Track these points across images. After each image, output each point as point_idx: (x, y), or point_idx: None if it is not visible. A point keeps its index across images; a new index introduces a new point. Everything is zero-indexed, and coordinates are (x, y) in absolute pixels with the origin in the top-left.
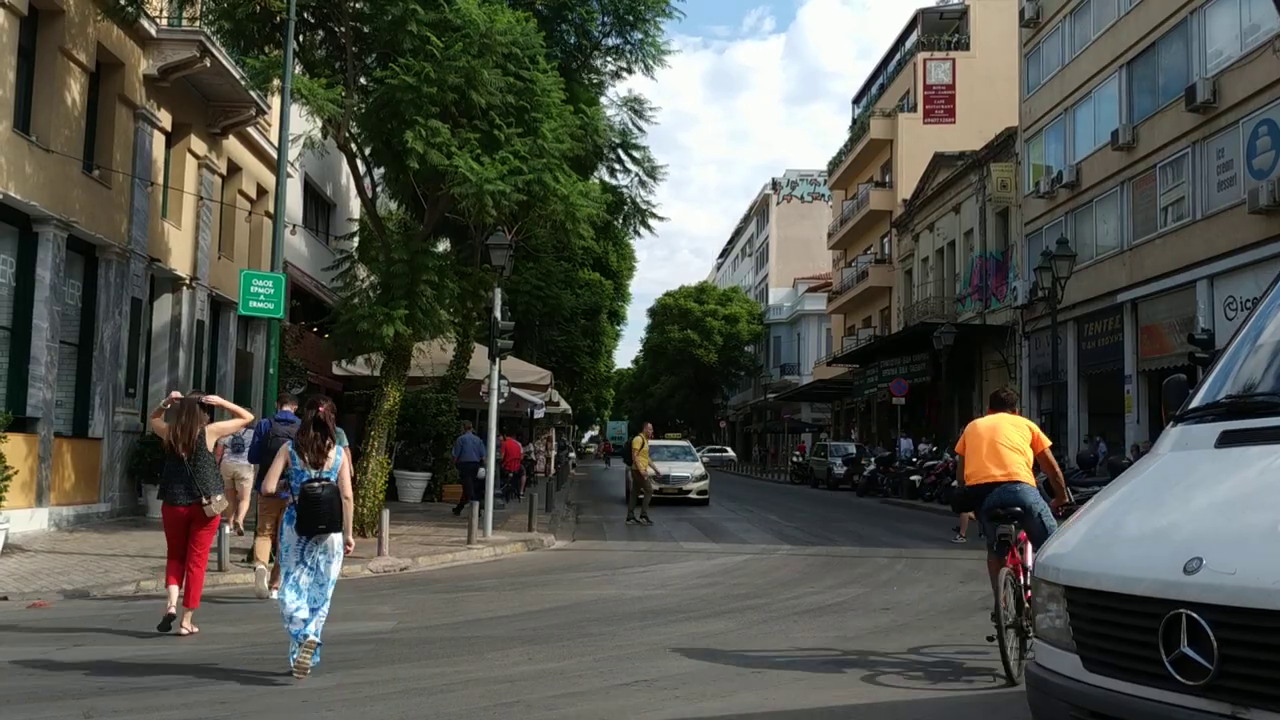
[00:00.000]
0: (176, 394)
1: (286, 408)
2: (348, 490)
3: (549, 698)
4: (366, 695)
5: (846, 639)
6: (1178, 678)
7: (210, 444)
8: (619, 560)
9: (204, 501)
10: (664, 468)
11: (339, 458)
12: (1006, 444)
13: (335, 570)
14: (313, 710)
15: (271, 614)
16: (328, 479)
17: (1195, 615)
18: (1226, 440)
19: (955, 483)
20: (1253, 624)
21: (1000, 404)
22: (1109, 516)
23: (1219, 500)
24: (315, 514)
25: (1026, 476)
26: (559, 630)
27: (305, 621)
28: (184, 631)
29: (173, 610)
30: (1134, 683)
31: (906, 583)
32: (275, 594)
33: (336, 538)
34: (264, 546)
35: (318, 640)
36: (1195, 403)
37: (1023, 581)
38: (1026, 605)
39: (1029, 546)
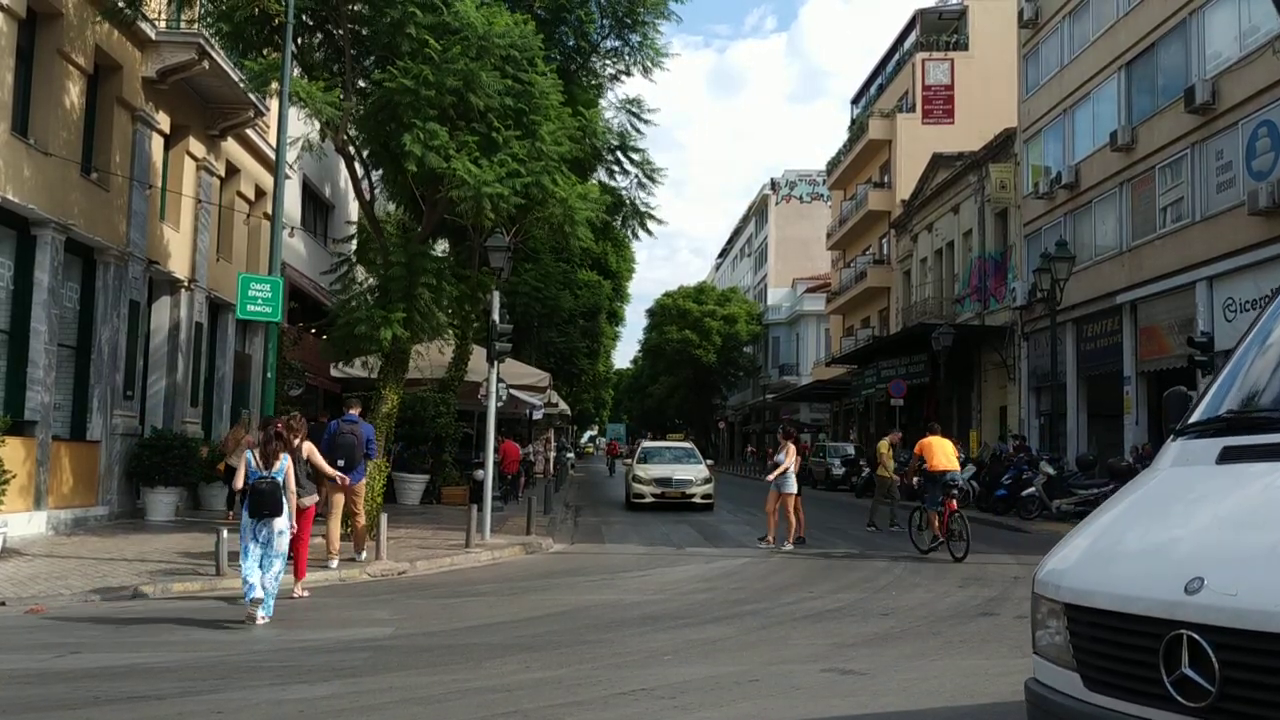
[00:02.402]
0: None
1: (352, 411)
2: (291, 485)
3: (546, 707)
4: (364, 705)
5: (845, 646)
6: (1179, 699)
7: (305, 453)
8: (618, 564)
9: (301, 497)
10: (666, 471)
11: (284, 463)
12: (950, 452)
13: (282, 544)
14: None
15: (267, 621)
16: (273, 478)
17: (1196, 636)
18: (1228, 456)
19: (918, 474)
20: (1255, 646)
21: (936, 431)
22: (1109, 533)
23: (1220, 518)
24: (261, 503)
25: (957, 468)
26: (557, 637)
27: (259, 584)
28: (297, 594)
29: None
30: (1135, 703)
31: (905, 588)
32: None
33: (279, 520)
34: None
35: (268, 592)
36: (1196, 417)
37: (957, 514)
38: (953, 528)
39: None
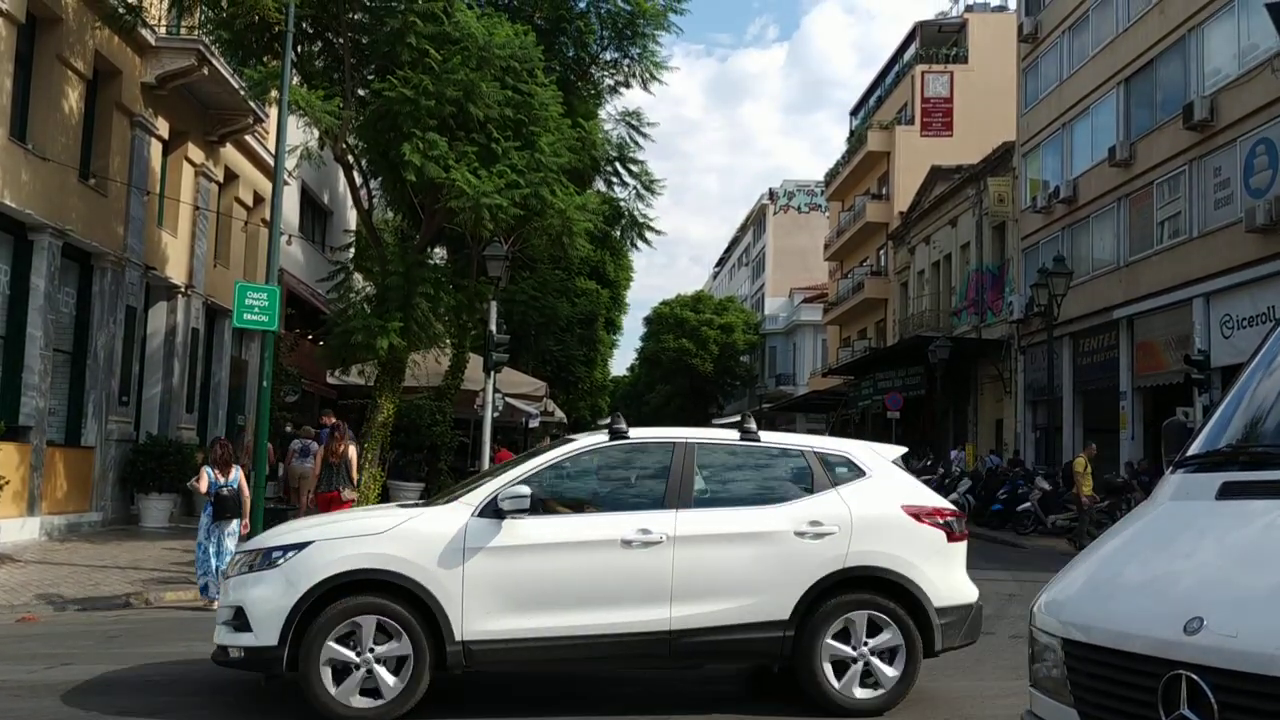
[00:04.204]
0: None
1: (331, 421)
2: (245, 493)
3: None
4: None
5: None
6: None
7: (352, 455)
8: None
9: (341, 490)
10: None
11: (237, 474)
12: None
13: (233, 543)
14: None
15: None
16: (231, 486)
17: (1195, 677)
18: (1228, 492)
19: None
20: (1255, 689)
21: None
22: (1108, 567)
23: (1220, 557)
24: (225, 507)
25: None
26: None
27: (215, 575)
28: None
29: None
30: None
31: None
32: None
33: (235, 522)
34: None
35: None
36: (1195, 449)
37: None
38: None
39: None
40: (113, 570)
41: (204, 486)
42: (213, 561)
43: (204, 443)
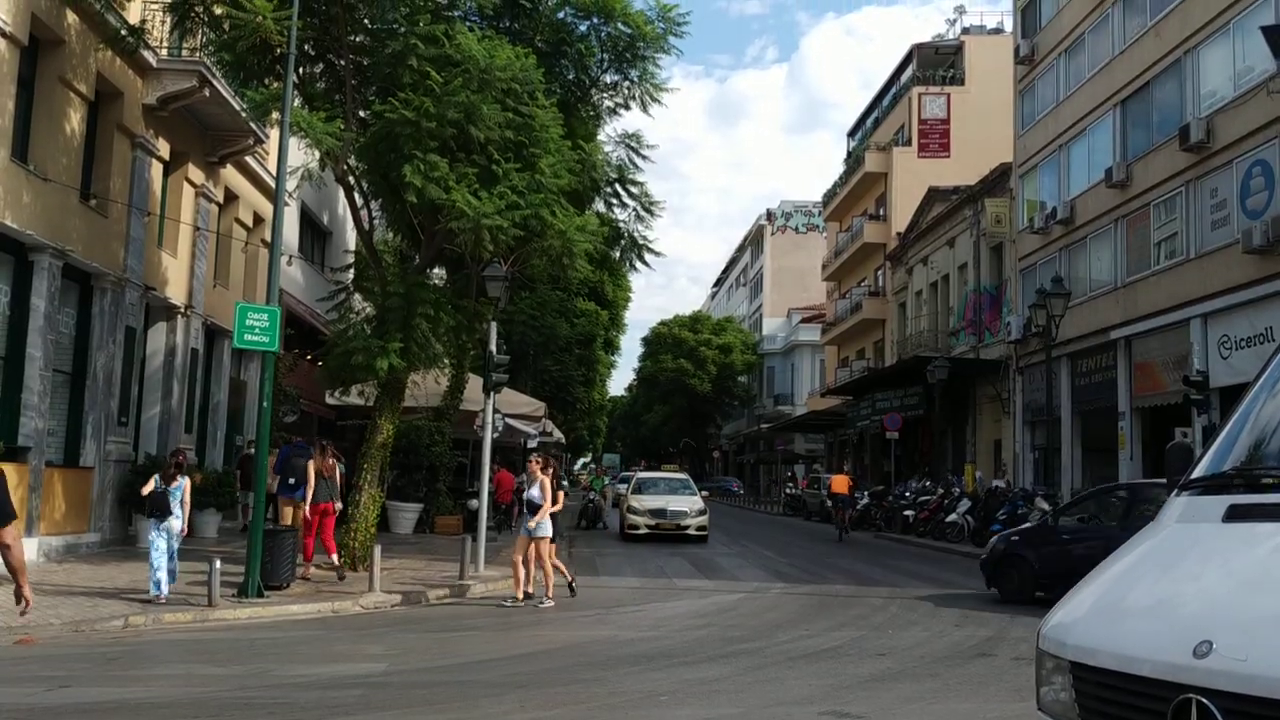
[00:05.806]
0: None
1: (299, 439)
2: (186, 499)
3: None
4: None
5: (842, 687)
6: None
7: (337, 474)
8: (612, 598)
9: (335, 501)
10: (661, 502)
11: (183, 481)
12: (845, 483)
13: (165, 543)
14: None
15: (259, 654)
16: (169, 490)
17: (1205, 701)
18: (1234, 515)
19: (828, 496)
20: (1265, 714)
21: (841, 472)
22: (1116, 589)
23: (1228, 580)
24: (159, 507)
25: (846, 492)
26: (551, 675)
27: (159, 568)
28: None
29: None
30: None
31: (902, 625)
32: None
33: (175, 522)
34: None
35: (170, 579)
36: (1200, 472)
37: (845, 518)
38: (843, 525)
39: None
40: (111, 591)
41: (146, 490)
42: (163, 564)
43: (202, 464)
